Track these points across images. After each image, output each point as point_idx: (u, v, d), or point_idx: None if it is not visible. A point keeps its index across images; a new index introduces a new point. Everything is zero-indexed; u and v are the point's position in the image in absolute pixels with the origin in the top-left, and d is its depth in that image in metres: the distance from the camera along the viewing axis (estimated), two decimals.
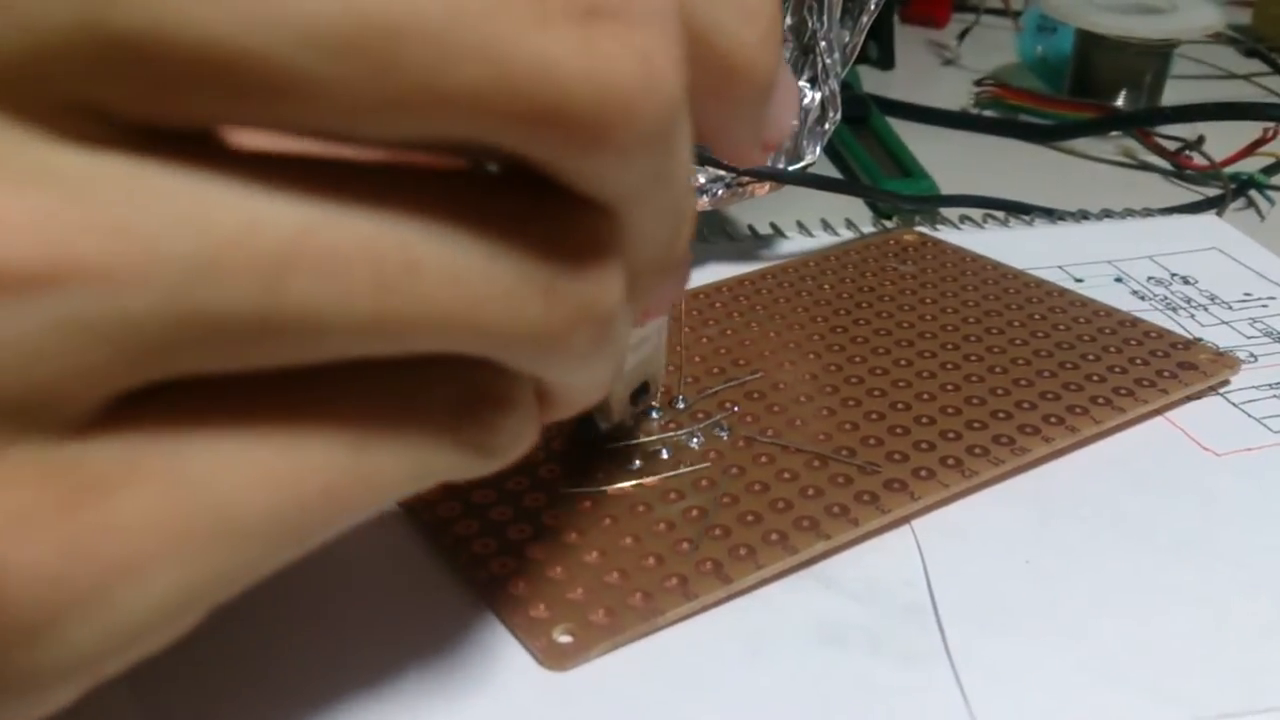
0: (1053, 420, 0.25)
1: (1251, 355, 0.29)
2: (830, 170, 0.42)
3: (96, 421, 0.11)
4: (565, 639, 0.19)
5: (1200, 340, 0.29)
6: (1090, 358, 0.27)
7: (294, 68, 0.10)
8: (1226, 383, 0.28)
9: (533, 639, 0.20)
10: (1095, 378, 0.27)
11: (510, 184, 0.12)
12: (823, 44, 0.33)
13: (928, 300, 0.30)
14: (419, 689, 0.19)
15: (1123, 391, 0.26)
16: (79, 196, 0.10)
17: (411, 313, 0.11)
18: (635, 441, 0.24)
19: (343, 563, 0.22)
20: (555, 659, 0.19)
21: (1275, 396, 0.28)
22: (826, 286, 0.31)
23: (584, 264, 0.12)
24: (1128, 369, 0.27)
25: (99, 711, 0.18)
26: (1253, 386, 0.28)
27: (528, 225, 0.12)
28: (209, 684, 0.19)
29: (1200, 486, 0.25)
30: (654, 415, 0.25)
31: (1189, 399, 0.27)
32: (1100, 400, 0.26)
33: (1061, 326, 0.29)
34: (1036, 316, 0.29)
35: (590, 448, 0.24)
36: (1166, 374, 0.27)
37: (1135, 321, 0.29)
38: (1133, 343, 0.28)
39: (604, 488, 0.23)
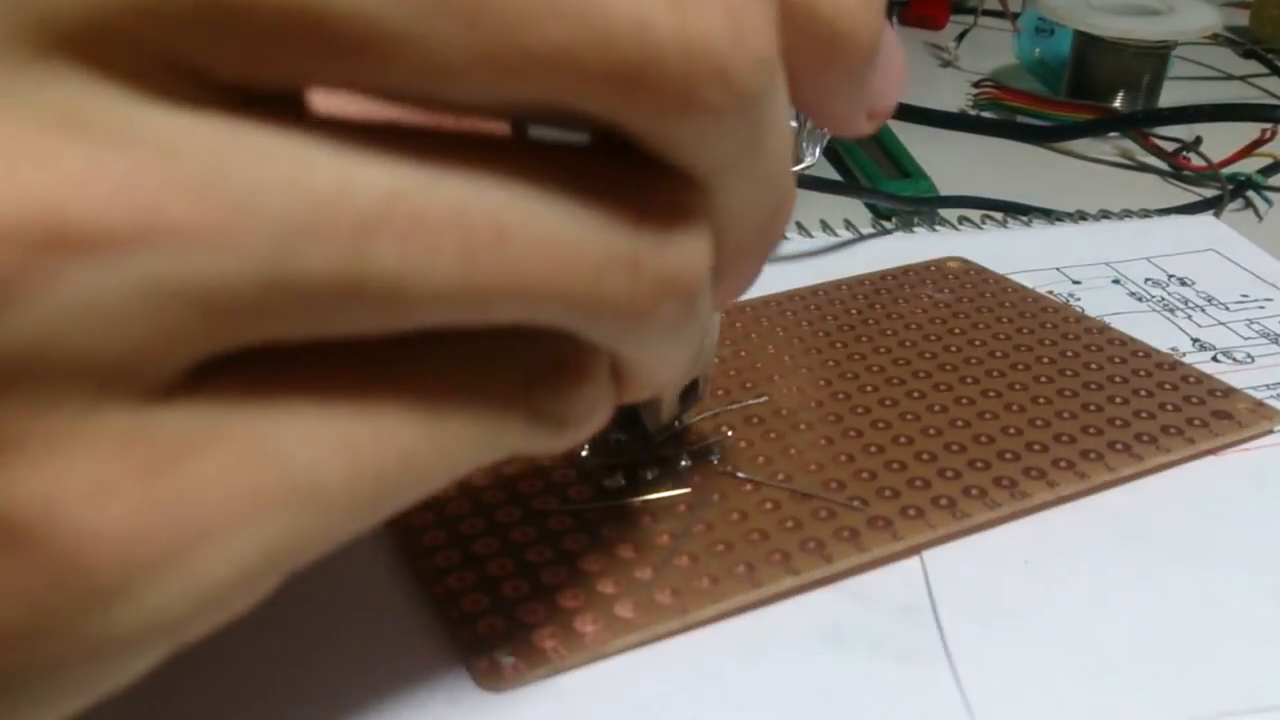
0: (1062, 464, 0.24)
1: (1249, 356, 0.29)
2: (829, 172, 0.42)
3: (179, 387, 0.11)
4: (507, 660, 0.19)
5: (1239, 389, 0.27)
6: (1118, 400, 0.26)
7: (384, 24, 0.10)
8: (1269, 433, 0.26)
9: (474, 658, 0.19)
10: (1119, 422, 0.25)
11: (599, 155, 0.12)
12: None
13: (956, 330, 0.29)
14: (355, 700, 0.19)
15: (1145, 438, 0.25)
16: (170, 157, 0.10)
17: (497, 281, 0.11)
18: (621, 460, 0.24)
19: (310, 567, 0.21)
20: (492, 680, 0.19)
21: (1274, 397, 0.27)
22: (854, 311, 0.30)
23: (671, 237, 0.12)
24: (1155, 414, 0.26)
25: (99, 711, 0.18)
26: (1250, 388, 0.27)
27: (616, 196, 0.12)
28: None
29: (1200, 486, 0.24)
30: (652, 440, 0.25)
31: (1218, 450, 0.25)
32: (1118, 446, 0.24)
33: (1094, 365, 0.28)
34: (1069, 353, 0.28)
35: (633, 448, 0.24)
36: (1197, 422, 0.25)
37: (1175, 364, 0.28)
38: (1167, 386, 0.27)
39: (580, 506, 0.22)
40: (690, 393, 0.23)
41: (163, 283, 0.10)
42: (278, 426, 0.11)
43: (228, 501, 0.11)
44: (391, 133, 0.11)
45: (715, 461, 0.24)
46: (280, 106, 0.10)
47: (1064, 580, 0.21)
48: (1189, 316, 0.31)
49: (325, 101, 0.11)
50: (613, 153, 0.12)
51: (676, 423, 0.25)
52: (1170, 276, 0.33)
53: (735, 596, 0.20)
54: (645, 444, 0.24)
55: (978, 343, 0.29)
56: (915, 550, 0.22)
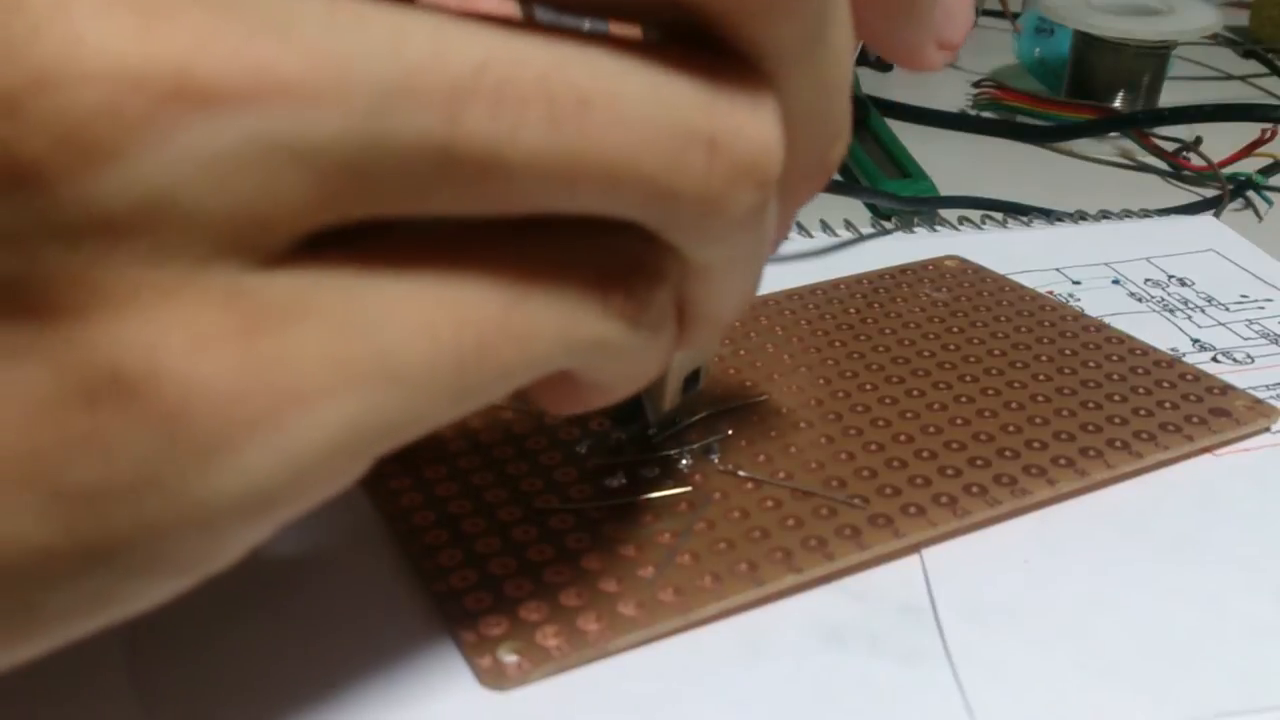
0: (1062, 462, 0.24)
1: (1249, 357, 0.29)
2: None
3: (282, 257, 0.11)
4: (510, 659, 0.19)
5: (1236, 386, 0.27)
6: (1116, 398, 0.26)
7: None
8: (1266, 430, 0.26)
9: (477, 657, 0.19)
10: (1117, 419, 0.25)
11: (676, 42, 0.12)
12: None
13: (955, 329, 0.29)
14: (358, 699, 0.19)
15: (1144, 435, 0.25)
16: (278, 19, 0.10)
17: (580, 152, 0.12)
18: (622, 459, 0.24)
19: (313, 565, 0.21)
20: (496, 679, 0.19)
21: (1274, 398, 0.27)
22: (853, 310, 0.30)
23: (746, 121, 0.12)
24: (1154, 412, 0.26)
25: (99, 711, 0.18)
26: (1250, 388, 0.27)
27: (692, 77, 0.12)
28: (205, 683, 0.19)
29: (1200, 486, 0.24)
30: (650, 432, 0.25)
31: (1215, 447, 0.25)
32: (1118, 444, 0.24)
33: (1092, 363, 0.28)
34: (1068, 351, 0.28)
35: (634, 447, 0.24)
36: (1196, 419, 0.25)
37: (1173, 362, 0.28)
38: (1165, 384, 0.27)
39: (582, 505, 0.22)
40: (691, 381, 0.23)
41: (274, 139, 0.10)
42: (367, 303, 0.12)
43: (319, 371, 0.11)
44: (480, 15, 0.11)
45: (716, 460, 0.24)
46: None
47: (1064, 580, 0.21)
48: (1189, 317, 0.31)
49: None
50: (686, 44, 0.12)
51: (677, 419, 0.25)
52: (1170, 277, 0.34)
53: (737, 594, 0.20)
54: (646, 442, 0.24)
55: (976, 341, 0.29)
56: (916, 548, 0.22)
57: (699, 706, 0.19)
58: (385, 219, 0.12)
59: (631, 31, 0.13)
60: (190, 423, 0.11)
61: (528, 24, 0.12)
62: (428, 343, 0.12)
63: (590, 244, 0.13)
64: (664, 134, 0.12)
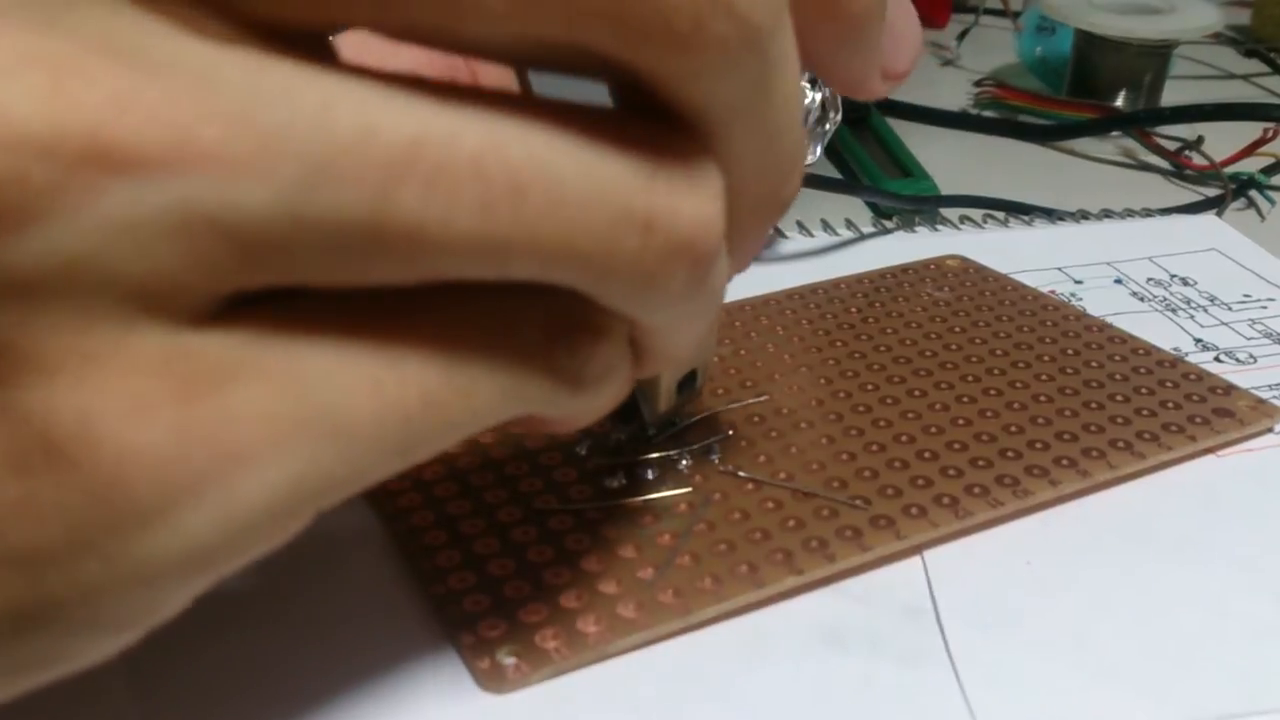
0: (1064, 462, 0.24)
1: (1251, 357, 0.29)
2: (830, 171, 0.42)
3: (215, 317, 0.11)
4: (509, 661, 0.19)
5: (1239, 386, 0.27)
6: (1119, 398, 0.26)
7: None
8: (1267, 432, 0.26)
9: (476, 659, 0.19)
10: (1120, 420, 0.25)
11: (611, 115, 0.12)
12: None
13: (957, 329, 0.29)
14: (356, 702, 0.19)
15: (1147, 436, 0.25)
16: (204, 86, 0.10)
17: (513, 235, 0.11)
18: (621, 459, 0.24)
19: (310, 567, 0.21)
20: (495, 682, 0.19)
21: (1277, 397, 0.27)
22: (853, 309, 0.30)
23: (684, 200, 0.12)
24: (1157, 412, 0.26)
25: (99, 711, 0.18)
26: (1253, 388, 0.27)
27: (631, 153, 0.12)
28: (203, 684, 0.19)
29: (1200, 486, 0.24)
30: (649, 433, 0.24)
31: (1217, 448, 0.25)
32: (1120, 444, 0.24)
33: (1094, 363, 0.27)
34: (1070, 351, 0.28)
35: (629, 443, 0.24)
36: (1199, 420, 0.25)
37: (1176, 362, 0.28)
38: (1168, 384, 0.27)
39: (582, 506, 0.22)
40: (688, 384, 0.23)
41: (195, 207, 0.10)
42: (309, 361, 0.11)
43: (261, 429, 0.11)
44: (416, 82, 0.11)
45: (716, 461, 0.24)
46: (309, 48, 0.11)
47: (1065, 582, 0.21)
48: (1191, 316, 0.31)
49: (351, 54, 0.11)
50: (625, 114, 0.12)
51: (675, 419, 0.24)
52: (1172, 276, 0.33)
53: (738, 596, 0.20)
54: (646, 443, 0.24)
55: (978, 340, 0.29)
56: (918, 549, 0.22)
57: (699, 709, 0.19)
58: (307, 286, 0.11)
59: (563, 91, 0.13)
60: (127, 489, 0.11)
61: (461, 94, 0.11)
62: (372, 399, 0.12)
63: (532, 303, 0.13)
64: (599, 217, 0.12)
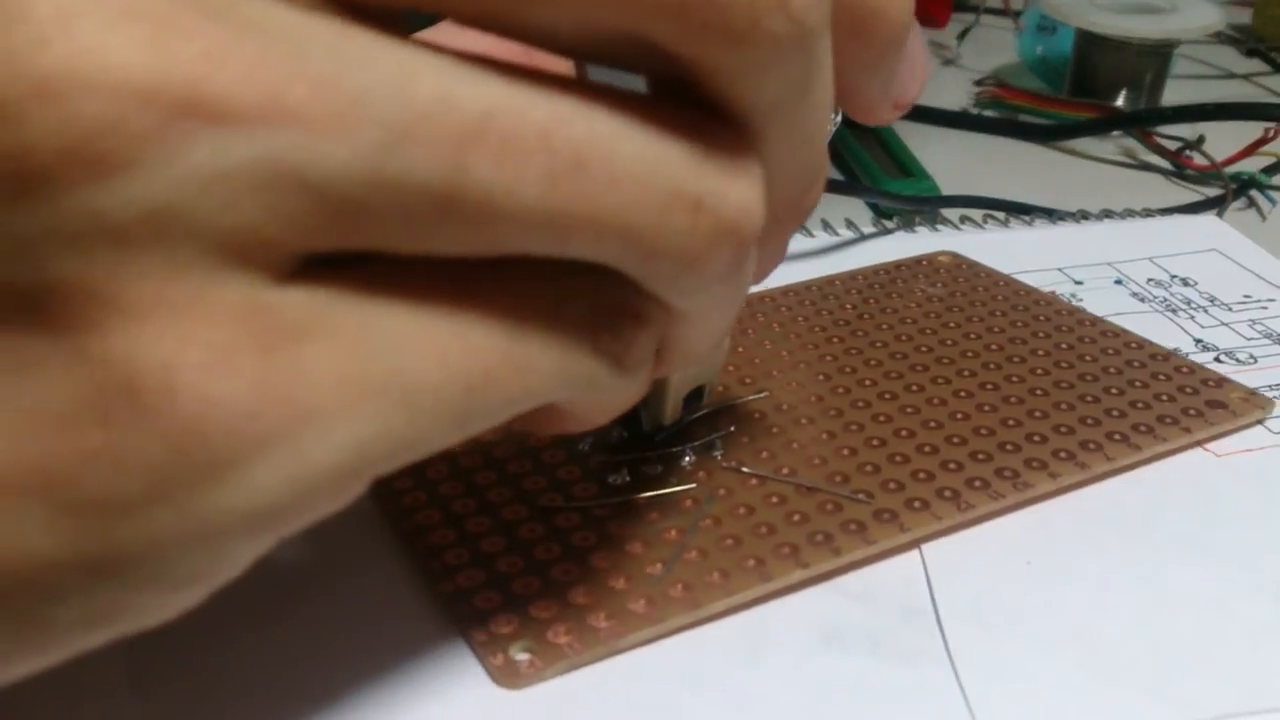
0: (1062, 455, 0.24)
1: (1251, 357, 0.29)
2: (831, 171, 0.41)
3: (296, 274, 0.11)
4: (523, 657, 0.19)
5: (1231, 379, 0.27)
6: (1114, 391, 0.26)
7: None
8: (1258, 423, 0.26)
9: (490, 655, 0.19)
10: (1115, 412, 0.25)
11: (666, 105, 0.13)
12: None
13: (951, 324, 0.29)
14: (370, 701, 0.19)
15: (1142, 428, 0.25)
16: (293, 48, 0.10)
17: (574, 208, 0.12)
18: (624, 457, 0.24)
19: (317, 567, 0.21)
20: (509, 678, 0.19)
21: (1276, 398, 0.27)
22: (849, 306, 0.30)
23: (730, 183, 0.13)
24: (1151, 404, 0.26)
25: (99, 711, 0.18)
26: (1253, 388, 0.27)
27: (683, 139, 0.13)
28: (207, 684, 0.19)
29: (1201, 486, 0.24)
30: (650, 429, 0.25)
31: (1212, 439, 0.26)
32: (1117, 436, 0.25)
33: (1088, 357, 0.28)
34: (1064, 345, 0.28)
35: (634, 440, 0.24)
36: (1192, 412, 0.26)
37: (1168, 355, 0.28)
38: (1161, 377, 0.27)
39: (587, 503, 0.22)
40: (694, 397, 0.24)
41: (281, 162, 0.10)
42: (381, 325, 0.12)
43: (335, 388, 0.11)
44: (484, 61, 0.12)
45: (719, 457, 0.24)
46: (385, 22, 0.11)
47: (1065, 581, 0.21)
48: (1191, 317, 0.31)
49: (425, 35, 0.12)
50: (674, 99, 0.13)
51: (679, 417, 0.25)
52: (1173, 276, 0.33)
53: (746, 590, 0.20)
54: (648, 440, 0.24)
55: (973, 336, 0.29)
56: (921, 541, 0.22)
57: (700, 708, 0.19)
58: (383, 252, 0.12)
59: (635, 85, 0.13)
60: (204, 439, 0.11)
61: (526, 72, 0.12)
62: (439, 368, 0.12)
63: (582, 285, 0.13)
64: (652, 195, 0.12)
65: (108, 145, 0.10)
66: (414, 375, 0.12)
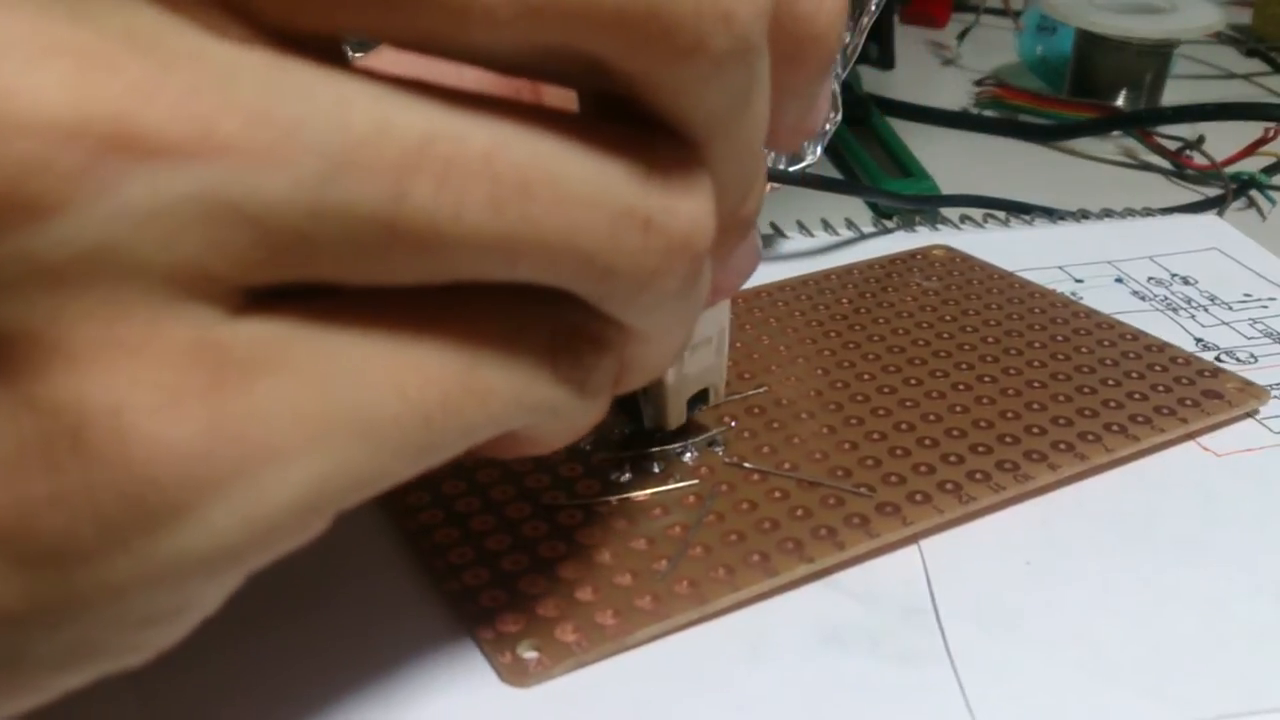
0: (1062, 447, 0.24)
1: (1252, 356, 0.29)
2: (831, 170, 0.42)
3: (246, 307, 0.11)
4: (531, 655, 0.19)
5: (1226, 370, 0.27)
6: (1110, 382, 0.26)
7: None
8: (1254, 413, 0.26)
9: (498, 654, 0.19)
10: (1113, 404, 0.26)
11: (609, 121, 0.13)
12: None
13: (948, 318, 0.30)
14: (378, 701, 0.19)
15: (1140, 419, 0.25)
16: (224, 80, 0.10)
17: (521, 232, 0.12)
18: (626, 454, 0.24)
19: (320, 568, 0.21)
20: (518, 676, 0.19)
21: (1276, 397, 0.27)
22: (845, 301, 0.30)
23: (679, 198, 0.13)
24: (1148, 395, 0.26)
25: (100, 711, 0.18)
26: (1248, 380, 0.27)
27: (630, 156, 0.12)
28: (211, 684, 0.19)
29: (1201, 487, 0.24)
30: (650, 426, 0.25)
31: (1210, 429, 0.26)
32: (1115, 427, 0.25)
33: (1084, 349, 0.28)
34: (1059, 338, 0.28)
35: (635, 437, 0.24)
36: (1189, 402, 0.26)
37: (1163, 347, 0.28)
38: (1157, 368, 0.27)
39: (589, 501, 0.23)
40: (699, 401, 0.24)
41: (217, 195, 0.10)
42: (336, 358, 0.11)
43: (290, 425, 0.11)
44: (425, 86, 0.11)
45: (720, 453, 0.24)
46: (322, 51, 0.11)
47: (1066, 581, 0.21)
48: (1192, 316, 0.31)
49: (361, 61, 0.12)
50: (620, 121, 0.13)
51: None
52: (1173, 276, 0.33)
53: (751, 585, 0.20)
54: (649, 436, 0.24)
55: (969, 328, 0.29)
56: (924, 535, 0.22)
57: (700, 708, 0.19)
58: (332, 283, 0.11)
59: (567, 102, 0.13)
60: (157, 484, 0.10)
61: (465, 96, 0.12)
62: (397, 399, 0.12)
63: (540, 311, 0.13)
64: (601, 215, 0.12)
65: (36, 187, 0.10)
66: (372, 407, 0.12)
